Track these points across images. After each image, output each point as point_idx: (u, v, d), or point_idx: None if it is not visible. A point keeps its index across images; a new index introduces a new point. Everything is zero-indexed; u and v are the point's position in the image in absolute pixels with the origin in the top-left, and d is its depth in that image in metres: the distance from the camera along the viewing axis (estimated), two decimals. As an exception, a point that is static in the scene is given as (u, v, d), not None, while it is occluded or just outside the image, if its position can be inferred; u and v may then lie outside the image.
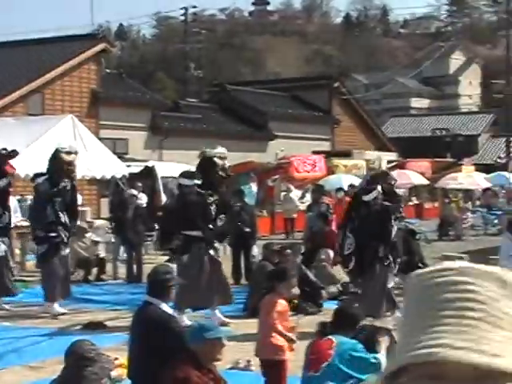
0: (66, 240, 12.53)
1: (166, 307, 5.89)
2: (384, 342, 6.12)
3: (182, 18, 68.60)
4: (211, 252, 11.74)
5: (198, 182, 11.69)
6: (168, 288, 5.96)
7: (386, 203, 10.80)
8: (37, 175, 12.99)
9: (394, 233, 10.89)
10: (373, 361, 5.74)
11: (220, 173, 11.94)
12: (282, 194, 28.10)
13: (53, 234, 12.26)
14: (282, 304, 6.56)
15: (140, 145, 33.00)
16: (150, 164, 23.70)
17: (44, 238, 12.31)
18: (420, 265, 14.94)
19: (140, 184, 19.25)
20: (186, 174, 12.36)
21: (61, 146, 12.79)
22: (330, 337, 5.87)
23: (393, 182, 11.58)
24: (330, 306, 12.34)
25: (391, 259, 10.99)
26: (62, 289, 12.39)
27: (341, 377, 5.70)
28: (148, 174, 22.68)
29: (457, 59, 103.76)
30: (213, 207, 11.63)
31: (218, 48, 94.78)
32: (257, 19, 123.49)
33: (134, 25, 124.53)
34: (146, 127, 33.74)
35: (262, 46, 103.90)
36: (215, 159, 11.95)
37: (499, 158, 47.83)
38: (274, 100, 41.78)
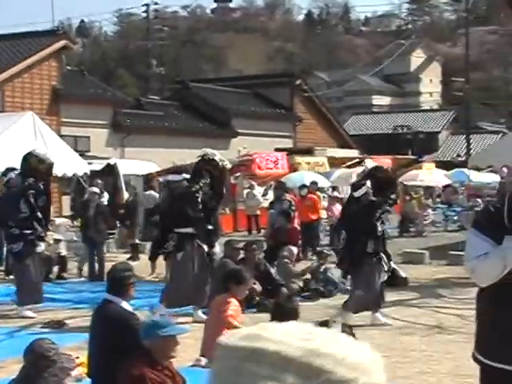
0: (42, 234, 12.11)
1: (126, 305, 5.88)
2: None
3: (144, 14, 68.40)
4: (205, 249, 11.76)
5: (187, 176, 11.70)
6: (127, 286, 5.95)
7: (373, 198, 10.88)
8: (9, 169, 12.69)
9: (380, 228, 10.90)
10: None
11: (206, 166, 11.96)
12: (245, 191, 28.14)
13: (28, 231, 11.85)
14: (235, 303, 6.57)
15: (102, 142, 32.82)
16: (111, 161, 23.60)
17: (19, 236, 11.89)
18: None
19: (100, 181, 19.14)
20: (174, 170, 12.39)
21: (36, 152, 12.51)
22: None
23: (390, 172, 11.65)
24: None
25: (382, 255, 11.05)
26: (36, 291, 12.11)
27: None
28: (110, 171, 22.60)
29: (417, 57, 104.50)
30: (199, 195, 11.58)
31: (180, 45, 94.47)
32: (219, 16, 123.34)
33: (95, 21, 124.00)
34: (107, 124, 33.57)
35: (224, 43, 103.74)
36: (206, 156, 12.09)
37: (458, 156, 48.26)
38: (236, 97, 41.78)
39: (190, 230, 11.45)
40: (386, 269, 11.18)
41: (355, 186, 11.24)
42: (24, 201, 11.85)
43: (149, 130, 34.90)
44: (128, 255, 19.55)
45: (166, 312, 10.99)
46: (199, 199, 11.58)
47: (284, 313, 6.06)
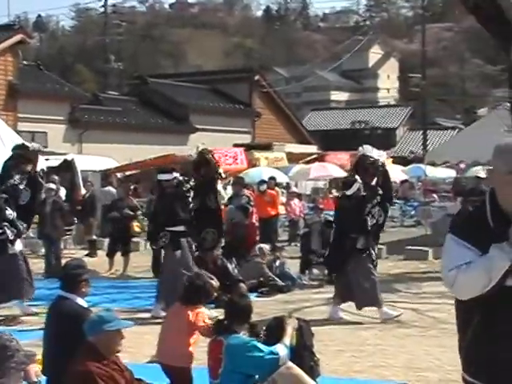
0: (11, 237, 11.67)
1: (82, 301, 5.88)
2: (290, 327, 6.20)
3: (102, 9, 67.87)
4: (193, 248, 11.85)
5: (177, 174, 11.74)
6: (81, 282, 5.95)
7: (363, 193, 10.98)
8: None
9: (370, 222, 10.98)
10: (268, 357, 5.81)
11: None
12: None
13: None
14: (203, 312, 6.58)
15: (59, 138, 32.57)
16: (68, 157, 23.44)
17: None
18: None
19: (57, 177, 18.99)
20: (164, 170, 12.34)
21: (18, 143, 12.29)
22: (221, 337, 5.95)
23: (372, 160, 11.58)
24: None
25: (371, 251, 11.16)
26: (17, 288, 11.70)
27: (239, 379, 5.80)
28: (67, 167, 22.44)
29: (375, 53, 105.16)
30: (190, 195, 11.70)
31: (139, 40, 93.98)
32: (177, 11, 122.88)
33: (52, 16, 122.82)
34: (65, 120, 33.32)
35: (183, 39, 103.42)
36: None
37: (412, 152, 48.68)
38: (195, 93, 41.70)
39: (182, 228, 11.50)
40: (374, 264, 11.28)
41: (347, 184, 11.28)
42: None
43: (107, 126, 34.69)
44: (86, 251, 19.46)
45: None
46: (190, 199, 11.70)
47: (237, 310, 6.12)
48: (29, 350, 4.89)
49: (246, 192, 17.45)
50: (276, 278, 13.80)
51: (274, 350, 5.86)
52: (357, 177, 11.09)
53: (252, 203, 17.26)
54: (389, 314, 10.78)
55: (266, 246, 14.80)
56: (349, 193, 11.07)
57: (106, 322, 5.37)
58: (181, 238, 11.57)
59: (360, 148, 11.62)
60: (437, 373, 7.87)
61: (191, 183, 11.83)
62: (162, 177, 11.89)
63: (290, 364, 5.96)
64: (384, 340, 9.42)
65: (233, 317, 6.05)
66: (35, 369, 5.77)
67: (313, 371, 6.51)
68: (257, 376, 5.92)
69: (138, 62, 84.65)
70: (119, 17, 71.04)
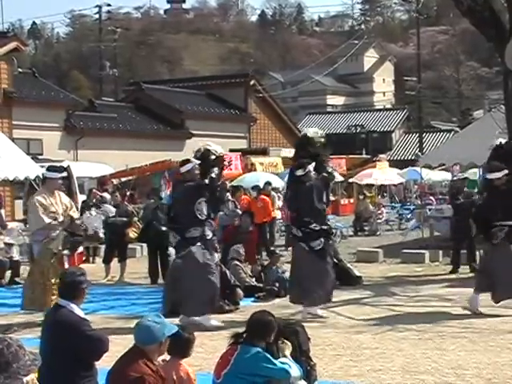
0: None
1: (78, 310, 5.85)
2: (287, 347, 6.17)
3: (97, 16, 67.98)
4: None
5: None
6: (80, 291, 5.90)
7: None
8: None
9: None
10: (278, 372, 5.79)
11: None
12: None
13: (325, 227, 11.54)
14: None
15: (55, 145, 32.56)
16: (64, 164, 23.41)
17: (319, 232, 11.36)
18: (335, 260, 15.19)
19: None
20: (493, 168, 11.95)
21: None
22: (237, 345, 5.92)
23: None
24: (247, 304, 12.47)
25: None
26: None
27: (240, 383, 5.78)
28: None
29: (370, 57, 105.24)
30: None
31: (134, 46, 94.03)
32: (172, 17, 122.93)
33: (47, 23, 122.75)
34: (60, 127, 33.32)
35: (179, 45, 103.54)
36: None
37: (417, 156, 48.69)
38: (191, 98, 41.71)
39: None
40: None
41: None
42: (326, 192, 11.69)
43: (102, 132, 34.70)
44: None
45: None
46: None
47: (258, 326, 6.03)
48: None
49: (230, 197, 17.28)
50: (253, 282, 13.77)
51: (288, 368, 5.86)
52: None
53: (239, 207, 17.16)
54: None
55: (241, 248, 14.49)
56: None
57: (163, 330, 5.26)
58: None
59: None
60: (434, 376, 7.87)
61: None
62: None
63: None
64: (381, 343, 9.41)
65: (253, 332, 6.00)
66: (32, 377, 5.75)
67: (309, 376, 6.51)
68: None
69: (133, 68, 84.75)
70: (114, 23, 71.11)
